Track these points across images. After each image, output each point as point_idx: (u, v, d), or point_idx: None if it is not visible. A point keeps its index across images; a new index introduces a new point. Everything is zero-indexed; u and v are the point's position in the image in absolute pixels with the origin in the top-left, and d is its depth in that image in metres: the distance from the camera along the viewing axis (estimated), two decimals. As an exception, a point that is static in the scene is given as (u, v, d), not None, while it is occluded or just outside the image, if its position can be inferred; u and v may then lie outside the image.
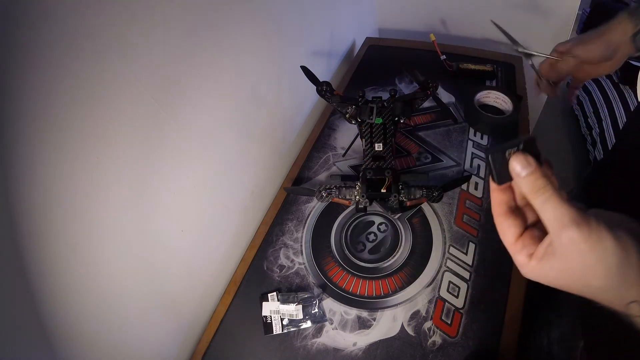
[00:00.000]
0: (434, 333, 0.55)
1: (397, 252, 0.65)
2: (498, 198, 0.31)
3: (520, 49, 0.66)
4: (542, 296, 0.60)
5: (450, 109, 0.84)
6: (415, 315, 0.58)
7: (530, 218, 0.31)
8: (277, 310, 0.59)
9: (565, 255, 0.26)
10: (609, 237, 0.25)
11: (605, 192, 0.58)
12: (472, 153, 0.77)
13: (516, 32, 1.16)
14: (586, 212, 0.26)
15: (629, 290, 0.25)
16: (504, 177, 0.29)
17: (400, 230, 0.67)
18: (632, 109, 1.39)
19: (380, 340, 0.56)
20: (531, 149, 0.29)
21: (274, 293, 0.61)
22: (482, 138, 0.79)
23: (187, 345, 0.60)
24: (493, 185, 0.31)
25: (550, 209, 0.27)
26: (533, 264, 0.29)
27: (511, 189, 0.31)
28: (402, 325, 0.57)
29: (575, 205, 0.26)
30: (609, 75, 1.53)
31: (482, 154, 0.76)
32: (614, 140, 1.36)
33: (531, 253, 0.29)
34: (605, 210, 0.29)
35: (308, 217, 0.71)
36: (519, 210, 0.31)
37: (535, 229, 0.30)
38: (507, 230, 0.30)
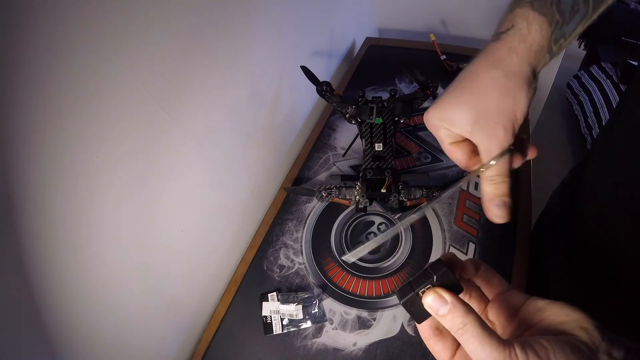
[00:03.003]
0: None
1: (397, 252, 0.65)
2: (422, 324, 0.29)
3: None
4: (542, 295, 0.60)
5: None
6: (415, 315, 0.57)
7: None
8: (277, 310, 0.59)
9: None
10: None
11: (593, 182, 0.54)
12: (472, 153, 0.76)
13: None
14: (514, 346, 0.24)
15: None
16: (423, 315, 0.28)
17: (400, 230, 0.67)
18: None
19: (380, 340, 0.56)
20: (445, 279, 0.27)
21: (274, 293, 0.61)
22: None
23: (187, 345, 0.60)
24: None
25: (471, 349, 0.25)
26: None
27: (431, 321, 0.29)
28: (402, 325, 0.57)
29: (499, 343, 0.24)
30: (609, 75, 1.53)
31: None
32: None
33: None
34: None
35: (308, 217, 0.71)
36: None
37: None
38: (440, 352, 0.28)
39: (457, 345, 0.29)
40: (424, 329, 0.29)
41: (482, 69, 0.32)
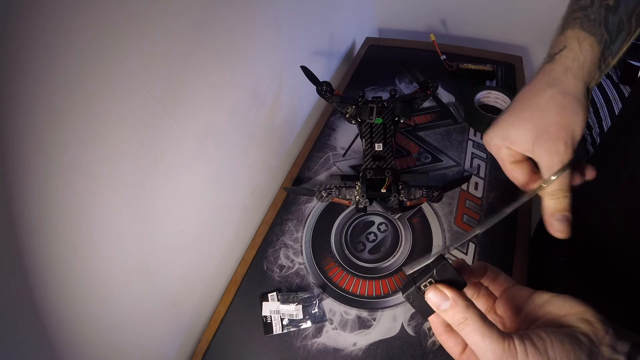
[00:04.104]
0: (434, 333, 0.55)
1: (397, 252, 0.65)
2: (434, 320, 0.30)
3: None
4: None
5: (450, 109, 0.84)
6: (415, 315, 0.57)
7: None
8: (277, 310, 0.59)
9: None
10: (536, 353, 0.24)
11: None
12: (472, 153, 0.76)
13: (515, 33, 1.16)
14: (513, 339, 0.25)
15: None
16: (427, 310, 0.29)
17: (400, 230, 0.67)
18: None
19: (380, 340, 0.56)
20: (445, 273, 0.28)
21: (274, 293, 0.61)
22: (482, 138, 0.79)
23: (187, 345, 0.60)
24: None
25: (473, 342, 0.26)
26: None
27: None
28: (402, 325, 0.57)
29: (499, 335, 0.25)
30: (608, 75, 1.53)
31: (483, 155, 0.76)
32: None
33: None
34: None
35: (308, 217, 0.71)
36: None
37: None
38: (452, 347, 0.30)
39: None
40: (436, 325, 0.30)
41: (540, 88, 0.33)
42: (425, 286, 0.28)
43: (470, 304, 0.27)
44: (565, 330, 0.26)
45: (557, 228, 0.31)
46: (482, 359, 0.26)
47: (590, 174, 0.34)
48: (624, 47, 0.34)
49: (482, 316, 0.26)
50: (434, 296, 0.28)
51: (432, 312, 0.29)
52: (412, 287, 0.29)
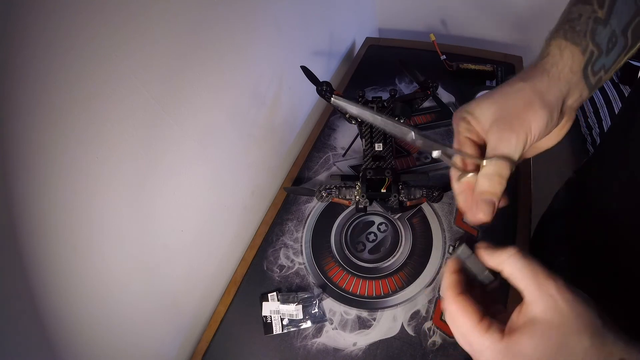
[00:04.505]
0: (434, 333, 0.55)
1: (397, 252, 0.65)
2: (456, 279, 0.30)
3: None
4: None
5: (450, 109, 0.84)
6: (415, 315, 0.58)
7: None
8: (277, 310, 0.59)
9: (551, 310, 0.25)
10: (585, 307, 0.25)
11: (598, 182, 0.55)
12: (472, 153, 0.76)
13: (515, 33, 1.16)
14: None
15: (613, 346, 0.24)
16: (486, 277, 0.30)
17: (400, 230, 0.67)
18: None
19: (380, 340, 0.56)
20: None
21: (274, 293, 0.61)
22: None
23: (187, 345, 0.60)
24: (452, 267, 0.31)
25: (527, 265, 0.26)
26: (509, 340, 0.26)
27: (462, 274, 0.30)
28: (402, 325, 0.57)
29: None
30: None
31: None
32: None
33: (502, 328, 0.26)
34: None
35: (308, 217, 0.71)
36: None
37: (492, 313, 0.29)
38: (471, 309, 0.27)
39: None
40: (454, 286, 0.29)
41: (515, 81, 0.33)
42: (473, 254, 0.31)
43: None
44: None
45: (481, 208, 0.31)
46: (534, 296, 0.25)
47: (503, 202, 0.33)
48: (620, 61, 0.34)
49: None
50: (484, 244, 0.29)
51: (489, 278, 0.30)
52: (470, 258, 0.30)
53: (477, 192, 0.32)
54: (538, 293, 0.25)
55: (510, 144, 0.31)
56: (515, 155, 0.31)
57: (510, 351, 0.25)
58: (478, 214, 0.31)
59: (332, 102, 0.34)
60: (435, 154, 0.33)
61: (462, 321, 0.27)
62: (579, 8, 0.34)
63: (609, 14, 0.33)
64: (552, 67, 0.33)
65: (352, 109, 0.33)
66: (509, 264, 0.27)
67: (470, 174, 0.33)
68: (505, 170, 0.31)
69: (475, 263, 0.30)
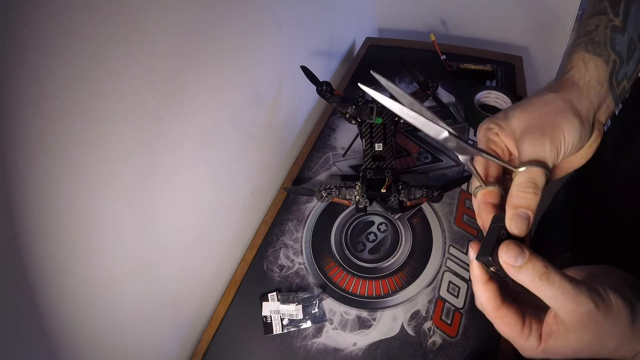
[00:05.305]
0: (434, 333, 0.55)
1: (397, 252, 0.65)
2: (491, 290, 0.28)
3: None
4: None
5: (450, 109, 0.84)
6: (415, 315, 0.58)
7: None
8: (277, 310, 0.59)
9: (580, 328, 0.25)
10: (617, 299, 0.25)
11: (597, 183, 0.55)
12: (472, 153, 0.76)
13: (515, 33, 1.16)
14: (583, 280, 0.26)
15: (636, 342, 0.26)
16: (492, 263, 0.27)
17: (400, 230, 0.67)
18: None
19: (380, 340, 0.56)
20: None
21: (274, 293, 0.61)
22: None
23: (187, 345, 0.60)
24: (483, 278, 0.28)
25: (559, 290, 0.25)
26: (545, 345, 0.27)
27: (494, 282, 0.29)
28: (402, 325, 0.57)
29: (574, 278, 0.26)
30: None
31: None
32: None
33: (540, 334, 0.28)
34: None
35: (308, 217, 0.71)
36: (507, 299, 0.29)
37: (528, 309, 0.29)
38: (513, 321, 0.28)
39: (522, 311, 0.28)
40: (493, 297, 0.28)
41: (544, 92, 0.32)
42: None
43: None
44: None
45: (516, 224, 0.28)
46: (569, 303, 0.25)
47: None
48: (638, 69, 0.33)
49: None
50: (509, 251, 0.26)
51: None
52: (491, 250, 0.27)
53: (511, 205, 0.29)
54: (570, 315, 0.26)
55: (544, 149, 0.29)
56: (550, 161, 0.29)
57: (553, 351, 0.27)
58: (513, 229, 0.28)
59: (375, 76, 0.30)
60: (463, 158, 0.30)
61: (506, 332, 0.28)
62: (595, 20, 0.34)
63: (625, 21, 0.33)
64: (580, 79, 0.32)
65: (381, 98, 0.30)
66: (538, 292, 0.26)
67: (492, 187, 0.31)
68: (540, 177, 0.29)
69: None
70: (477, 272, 0.29)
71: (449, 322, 0.56)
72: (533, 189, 0.28)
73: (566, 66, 0.34)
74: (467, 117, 0.82)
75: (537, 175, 0.29)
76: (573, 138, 0.30)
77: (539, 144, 0.29)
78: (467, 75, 0.92)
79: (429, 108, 0.80)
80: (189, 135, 0.51)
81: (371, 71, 0.31)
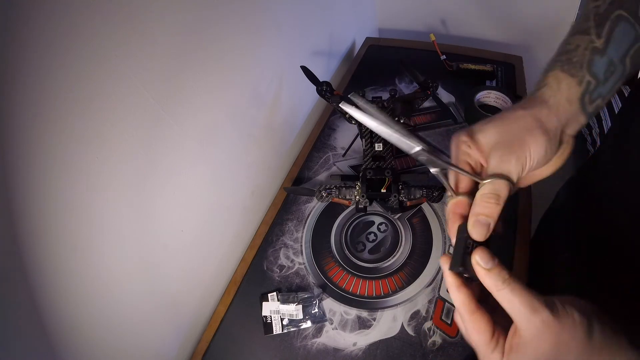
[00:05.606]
0: (434, 333, 0.55)
1: (397, 252, 0.65)
2: (465, 293, 0.30)
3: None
4: (542, 294, 0.60)
5: (450, 109, 0.84)
6: (415, 315, 0.58)
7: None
8: (277, 310, 0.59)
9: (537, 339, 0.27)
10: (573, 311, 0.27)
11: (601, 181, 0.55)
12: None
13: (515, 33, 1.16)
14: (560, 304, 0.28)
15: (598, 356, 0.27)
16: (463, 269, 0.30)
17: (400, 230, 0.67)
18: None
19: (380, 340, 0.56)
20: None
21: (274, 293, 0.61)
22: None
23: (187, 345, 0.60)
24: (456, 283, 0.31)
25: (518, 297, 0.27)
26: (507, 358, 0.28)
27: (468, 288, 0.31)
28: (402, 325, 0.57)
29: (534, 291, 0.28)
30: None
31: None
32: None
33: (503, 350, 0.29)
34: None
35: (308, 217, 0.71)
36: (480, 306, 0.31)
37: (499, 325, 0.30)
38: (484, 328, 0.29)
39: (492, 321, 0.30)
40: (468, 302, 0.30)
41: (516, 109, 0.34)
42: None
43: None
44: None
45: (476, 229, 0.31)
46: (526, 310, 0.27)
47: (498, 226, 0.33)
48: (615, 88, 0.34)
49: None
50: (482, 257, 0.29)
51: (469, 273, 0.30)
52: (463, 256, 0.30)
53: (473, 212, 0.31)
54: (527, 324, 0.27)
55: (509, 164, 0.31)
56: (514, 175, 0.31)
57: None
58: (473, 233, 0.31)
59: (353, 99, 0.33)
60: (434, 170, 0.33)
61: (475, 339, 0.30)
62: (577, 39, 0.35)
63: (607, 43, 0.34)
64: (551, 98, 0.33)
65: (357, 114, 0.32)
66: (499, 296, 0.28)
67: (462, 197, 0.33)
68: (503, 189, 0.31)
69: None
70: (450, 279, 0.31)
71: (449, 322, 0.56)
72: (495, 200, 0.31)
73: (540, 82, 0.35)
74: (467, 117, 0.82)
75: (501, 187, 0.31)
76: (538, 154, 0.32)
77: (506, 159, 0.32)
78: (467, 75, 0.92)
79: (429, 108, 0.82)
80: (189, 135, 0.51)
81: (349, 95, 0.34)
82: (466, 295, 0.30)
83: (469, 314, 0.30)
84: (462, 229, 0.31)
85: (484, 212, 0.31)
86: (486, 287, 0.29)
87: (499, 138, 0.33)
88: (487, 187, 0.31)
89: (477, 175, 0.33)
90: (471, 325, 0.30)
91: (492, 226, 0.31)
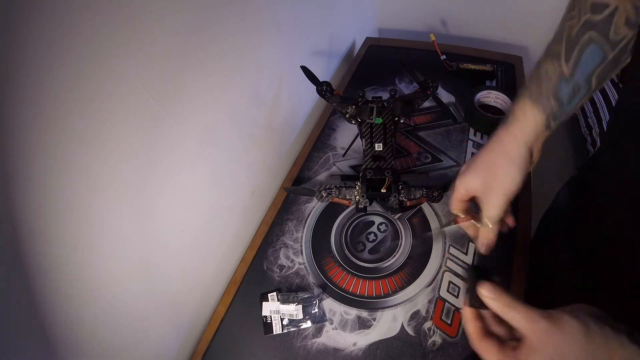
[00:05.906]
0: (434, 333, 0.55)
1: (397, 252, 0.65)
2: (477, 325, 0.37)
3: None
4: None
5: (450, 109, 0.84)
6: (415, 315, 0.58)
7: (502, 334, 0.37)
8: (277, 310, 0.59)
9: (542, 344, 0.31)
10: (569, 318, 0.31)
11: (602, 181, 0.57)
12: (472, 153, 0.76)
13: (515, 33, 1.16)
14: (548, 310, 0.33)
15: (599, 353, 0.30)
16: (477, 302, 0.37)
17: (400, 230, 0.67)
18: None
19: (380, 340, 0.56)
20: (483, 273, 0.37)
21: (274, 293, 0.61)
22: (482, 138, 0.79)
23: (187, 345, 0.60)
24: (471, 315, 0.37)
25: (520, 313, 0.32)
26: None
27: (482, 318, 0.37)
28: (402, 325, 0.57)
29: (534, 307, 0.33)
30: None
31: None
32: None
33: None
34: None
35: (308, 217, 0.71)
36: (491, 333, 0.37)
37: (507, 341, 0.35)
38: (489, 349, 0.34)
39: (500, 342, 0.35)
40: (476, 332, 0.36)
41: (492, 149, 0.44)
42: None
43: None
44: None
45: (480, 246, 0.46)
46: (528, 323, 0.32)
47: (510, 221, 0.47)
48: (580, 104, 0.41)
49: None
50: (487, 288, 0.35)
51: (479, 304, 0.36)
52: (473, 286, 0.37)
53: (481, 238, 0.46)
54: (532, 333, 0.32)
55: (497, 204, 0.43)
56: (502, 211, 0.43)
57: None
58: (479, 247, 0.46)
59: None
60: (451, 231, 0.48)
61: (487, 356, 0.35)
62: (548, 64, 0.41)
63: (574, 67, 0.39)
64: (519, 131, 0.42)
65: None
66: (505, 315, 0.34)
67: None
68: (495, 229, 0.44)
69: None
70: (467, 313, 0.38)
71: (449, 322, 0.56)
72: (487, 234, 0.45)
73: (512, 113, 0.43)
74: (467, 117, 0.82)
75: (489, 230, 0.45)
76: (516, 184, 0.42)
77: (494, 203, 0.43)
78: (467, 75, 0.92)
79: (429, 108, 0.85)
80: (189, 135, 0.51)
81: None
82: (477, 327, 0.37)
83: (478, 340, 0.36)
84: (472, 275, 0.38)
85: (486, 236, 0.45)
86: (494, 312, 0.35)
87: (486, 185, 0.44)
88: (485, 230, 0.45)
89: (476, 221, 0.47)
90: (480, 350, 0.36)
91: (492, 245, 0.46)
